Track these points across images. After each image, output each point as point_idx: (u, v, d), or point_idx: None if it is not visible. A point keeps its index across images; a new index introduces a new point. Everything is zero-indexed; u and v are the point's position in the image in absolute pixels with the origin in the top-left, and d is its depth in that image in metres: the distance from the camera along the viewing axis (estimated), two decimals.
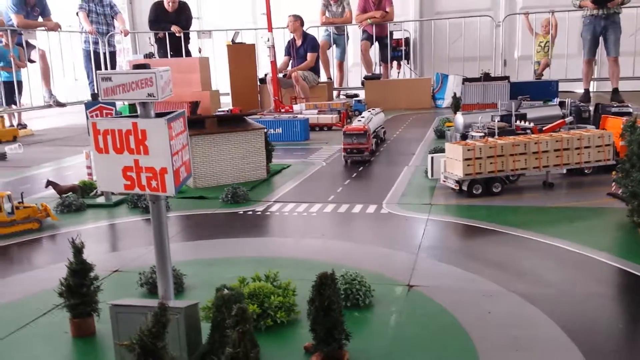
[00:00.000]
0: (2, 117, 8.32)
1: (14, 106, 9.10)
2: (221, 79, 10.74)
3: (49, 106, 9.76)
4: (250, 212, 3.98)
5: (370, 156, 5.57)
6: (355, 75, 12.68)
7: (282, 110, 9.05)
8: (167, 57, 11.18)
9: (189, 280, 2.70)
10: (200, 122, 4.75)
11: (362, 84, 11.48)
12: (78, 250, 2.23)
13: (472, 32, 11.95)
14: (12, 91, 9.05)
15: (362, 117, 6.06)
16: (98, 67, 10.66)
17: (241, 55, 10.34)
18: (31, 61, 9.53)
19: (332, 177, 5.09)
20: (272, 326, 2.24)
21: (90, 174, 4.68)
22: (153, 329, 1.52)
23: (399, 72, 12.53)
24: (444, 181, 4.35)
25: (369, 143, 5.57)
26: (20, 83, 9.27)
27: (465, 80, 8.91)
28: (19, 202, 3.74)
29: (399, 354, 2.05)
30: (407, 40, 12.46)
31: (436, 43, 12.53)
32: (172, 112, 1.98)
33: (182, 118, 2.06)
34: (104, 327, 2.18)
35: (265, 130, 5.00)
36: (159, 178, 1.90)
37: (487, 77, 8.75)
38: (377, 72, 12.11)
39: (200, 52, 11.23)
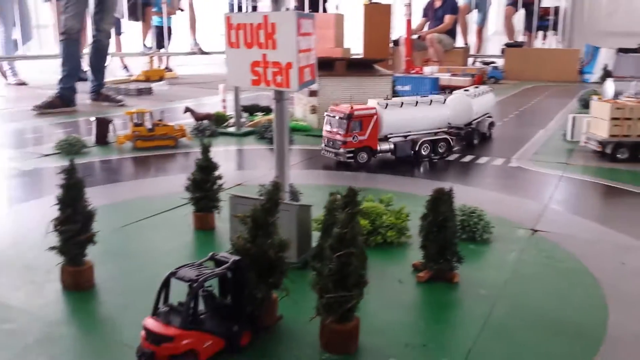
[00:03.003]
0: (152, 58, 9.00)
1: (162, 50, 9.79)
2: (355, 38, 10.70)
3: (193, 53, 10.38)
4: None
5: (355, 161, 3.50)
6: (494, 43, 12.02)
7: (413, 71, 8.83)
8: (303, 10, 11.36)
9: (304, 200, 2.72)
10: (330, 64, 4.76)
11: (502, 51, 10.85)
12: (206, 148, 2.33)
13: (632, 4, 10.72)
14: (162, 36, 9.74)
15: (456, 93, 4.35)
16: None
17: (377, 15, 10.19)
18: (181, 9, 10.16)
19: None
20: (381, 244, 2.20)
21: (224, 107, 4.92)
22: (266, 205, 1.55)
23: (543, 43, 11.66)
24: (585, 142, 3.97)
25: (362, 138, 3.51)
26: (170, 29, 9.93)
27: (620, 50, 8.06)
28: (159, 120, 4.02)
29: (516, 287, 1.91)
30: (556, 9, 11.52)
31: (589, 14, 11.43)
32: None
33: (312, 20, 2.04)
34: (224, 225, 2.28)
35: (393, 77, 4.90)
36: (284, 73, 1.91)
37: None
38: (520, 40, 11.36)
39: (337, 9, 11.25)
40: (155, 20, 9.73)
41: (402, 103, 3.70)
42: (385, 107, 3.61)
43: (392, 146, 3.63)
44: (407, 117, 3.71)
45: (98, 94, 6.15)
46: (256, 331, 1.52)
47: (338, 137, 3.49)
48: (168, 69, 9.74)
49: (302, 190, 2.72)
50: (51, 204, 1.79)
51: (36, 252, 2.03)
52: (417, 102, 3.75)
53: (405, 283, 1.91)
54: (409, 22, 9.13)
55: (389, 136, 3.65)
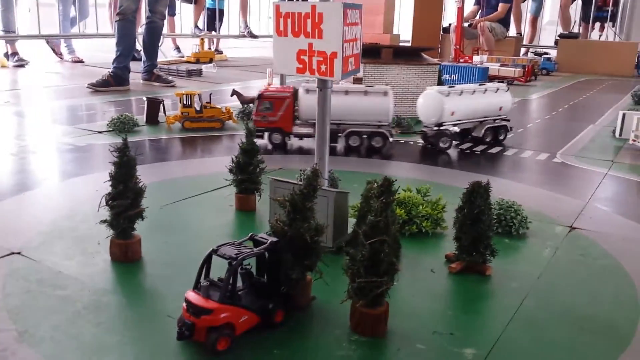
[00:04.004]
0: (203, 40, 9.17)
1: (214, 32, 9.96)
2: (404, 24, 10.59)
3: (243, 36, 10.52)
4: (412, 143, 3.96)
5: (270, 141, 3.59)
6: (548, 33, 11.67)
7: (462, 60, 8.70)
8: None
9: (343, 185, 2.78)
10: (376, 51, 4.76)
11: (556, 42, 10.54)
12: (250, 132, 2.42)
13: None
14: (213, 18, 9.90)
15: (452, 87, 3.84)
16: None
17: (428, 1, 10.05)
18: None
19: None
20: (416, 233, 2.24)
21: None
22: (304, 190, 1.61)
23: (600, 35, 11.24)
24: (634, 141, 3.87)
25: (284, 118, 3.55)
26: (221, 12, 10.08)
27: None
28: (207, 102, 4.14)
29: (548, 282, 1.92)
30: (615, 0, 11.07)
31: None
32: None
33: (359, 11, 2.07)
34: (263, 207, 2.36)
35: (440, 66, 4.86)
36: (328, 62, 1.95)
37: None
38: (576, 31, 10.99)
39: None
40: (207, 2, 9.89)
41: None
42: (307, 92, 3.58)
43: (310, 130, 3.50)
44: (333, 104, 3.64)
45: (150, 74, 6.33)
46: (290, 310, 1.60)
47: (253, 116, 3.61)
48: (218, 51, 9.91)
49: (341, 177, 2.77)
50: (103, 179, 1.91)
51: (88, 224, 2.16)
52: (346, 91, 3.59)
53: (437, 273, 1.95)
54: (460, 9, 8.97)
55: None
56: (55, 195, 2.65)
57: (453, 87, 3.81)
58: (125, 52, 5.88)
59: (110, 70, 5.88)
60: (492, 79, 7.43)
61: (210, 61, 8.50)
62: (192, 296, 1.46)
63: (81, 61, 8.35)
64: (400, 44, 8.40)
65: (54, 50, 8.57)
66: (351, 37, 2.02)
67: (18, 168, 3.04)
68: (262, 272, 1.62)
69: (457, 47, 9.00)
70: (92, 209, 2.19)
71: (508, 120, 4.04)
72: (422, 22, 9.97)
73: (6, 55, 7.70)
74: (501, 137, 3.98)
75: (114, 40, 5.93)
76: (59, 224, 2.23)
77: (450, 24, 9.84)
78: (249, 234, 1.62)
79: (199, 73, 7.19)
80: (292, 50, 2.04)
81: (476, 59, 8.47)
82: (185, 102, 4.03)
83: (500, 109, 3.96)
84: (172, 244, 2.10)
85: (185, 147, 3.67)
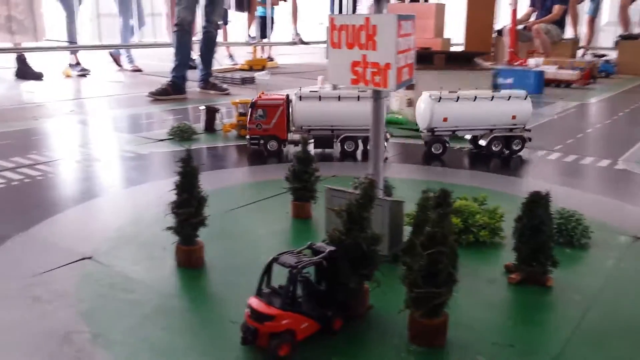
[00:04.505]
0: (255, 48, 9.35)
1: (265, 40, 10.14)
2: (455, 28, 10.45)
3: (294, 43, 10.65)
4: (465, 149, 3.92)
5: (265, 149, 3.62)
6: (607, 35, 11.27)
7: (516, 63, 8.50)
8: (403, 1, 11.23)
9: (397, 194, 2.78)
10: (429, 57, 4.74)
11: (616, 44, 10.15)
12: (305, 141, 2.47)
13: None
14: (265, 26, 10.08)
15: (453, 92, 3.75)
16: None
17: (480, 4, 9.88)
18: (284, 0, 10.44)
19: (563, 130, 4.70)
20: (473, 243, 2.22)
21: None
22: (361, 200, 1.64)
23: None
24: None
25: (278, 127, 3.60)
26: (272, 19, 10.25)
27: None
28: None
29: (612, 294, 1.87)
30: None
31: None
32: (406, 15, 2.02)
33: (412, 21, 2.09)
34: (319, 215, 2.40)
35: (494, 72, 4.79)
36: (383, 73, 1.97)
37: None
38: (636, 32, 10.56)
39: None
40: (259, 10, 10.08)
41: (320, 97, 3.64)
42: (300, 99, 3.60)
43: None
44: (326, 110, 3.63)
45: (206, 82, 6.52)
46: (348, 318, 1.62)
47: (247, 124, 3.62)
48: (270, 58, 10.07)
49: (395, 185, 2.78)
50: (165, 187, 2.00)
51: (153, 230, 2.26)
52: (339, 97, 3.62)
53: (496, 283, 1.93)
54: (514, 11, 8.78)
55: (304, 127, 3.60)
56: (121, 202, 2.78)
57: (454, 92, 3.74)
58: (183, 62, 6.08)
59: (168, 80, 6.09)
60: (550, 82, 7.25)
61: (263, 68, 8.65)
62: (255, 302, 1.51)
63: (139, 70, 8.66)
64: (451, 49, 8.29)
65: (115, 60, 8.93)
66: (405, 48, 2.03)
67: (84, 176, 3.20)
68: (320, 280, 1.65)
69: (512, 50, 8.81)
70: (156, 215, 2.29)
71: (528, 131, 3.83)
72: (474, 25, 9.79)
73: (70, 65, 8.09)
74: (516, 148, 3.71)
75: (170, 49, 6.14)
76: (125, 230, 2.34)
77: (504, 26, 9.65)
78: (308, 243, 1.66)
79: (252, 81, 7.34)
80: (346, 61, 2.07)
81: (531, 62, 8.27)
82: (241, 110, 4.13)
83: (514, 117, 3.74)
84: (232, 250, 2.17)
85: (241, 155, 3.76)
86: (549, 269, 1.91)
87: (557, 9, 9.74)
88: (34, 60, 7.79)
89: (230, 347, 1.51)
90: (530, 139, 3.82)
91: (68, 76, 7.91)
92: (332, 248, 1.61)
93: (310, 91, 3.73)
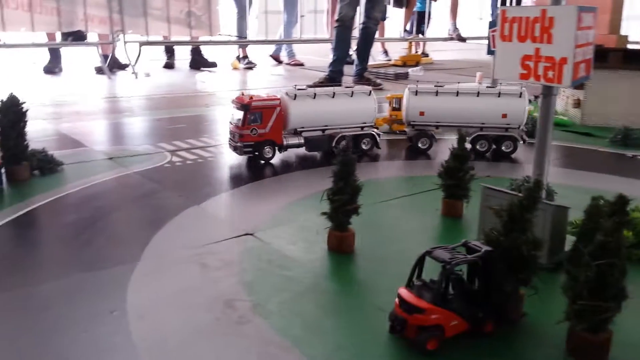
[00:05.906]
0: (411, 43, 9.29)
1: (420, 35, 10.02)
2: (633, 23, 9.44)
3: (451, 39, 10.39)
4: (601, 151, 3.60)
5: (260, 157, 3.25)
6: None
7: None
8: None
9: (558, 200, 2.61)
10: (603, 55, 4.34)
11: None
12: (462, 138, 2.41)
13: None
14: (422, 21, 9.96)
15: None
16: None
17: None
18: None
19: None
20: None
21: None
22: (524, 201, 1.57)
23: None
24: None
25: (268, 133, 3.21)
26: (429, 14, 10.09)
27: None
28: None
29: None
30: None
31: None
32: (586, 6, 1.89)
33: (594, 14, 1.94)
34: (470, 215, 2.34)
35: None
36: (557, 68, 1.86)
37: None
38: None
39: None
40: (417, 5, 9.98)
41: (315, 94, 3.33)
42: (294, 98, 3.27)
43: (301, 140, 3.31)
44: (321, 109, 3.33)
45: (361, 77, 6.63)
46: (500, 322, 1.57)
47: (237, 129, 3.22)
48: (424, 54, 9.94)
49: (556, 190, 2.61)
50: (322, 174, 2.08)
51: (308, 215, 2.37)
52: (334, 94, 3.39)
53: None
54: None
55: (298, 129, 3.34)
56: (279, 186, 2.94)
57: (441, 86, 3.51)
58: (341, 57, 6.25)
59: (326, 74, 6.30)
60: None
61: (417, 64, 8.57)
62: (405, 293, 1.52)
63: (301, 64, 9.05)
64: (629, 46, 7.50)
65: (275, 59, 9.41)
66: (584, 42, 1.90)
67: (249, 160, 3.42)
68: (472, 280, 1.62)
69: None
70: (311, 201, 2.40)
71: (525, 131, 3.44)
72: None
73: (238, 58, 8.71)
74: (507, 149, 3.41)
75: (328, 45, 6.34)
76: (282, 211, 2.49)
77: None
78: (462, 240, 1.62)
79: (405, 76, 7.32)
80: (516, 55, 1.98)
81: None
82: (394, 105, 4.14)
83: (504, 116, 3.37)
84: (381, 241, 2.20)
85: (394, 149, 3.77)
86: None
87: None
88: (207, 53, 8.52)
89: (377, 333, 1.54)
90: (525, 141, 3.45)
91: (235, 68, 8.53)
92: (489, 248, 1.56)
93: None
